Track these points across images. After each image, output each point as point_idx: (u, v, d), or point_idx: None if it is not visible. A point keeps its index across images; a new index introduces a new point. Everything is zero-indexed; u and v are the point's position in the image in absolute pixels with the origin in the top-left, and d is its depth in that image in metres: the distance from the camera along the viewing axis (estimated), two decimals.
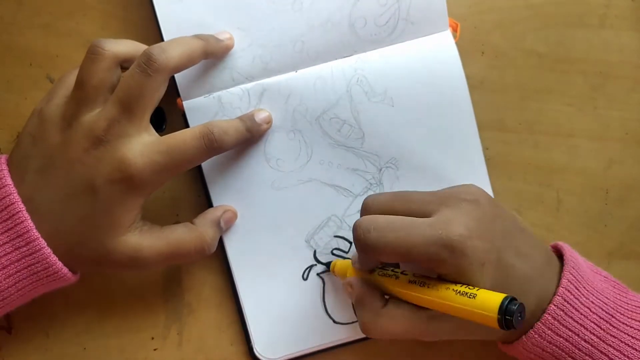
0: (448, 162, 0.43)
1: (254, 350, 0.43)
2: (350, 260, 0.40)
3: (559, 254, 0.39)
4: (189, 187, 0.44)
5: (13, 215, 0.37)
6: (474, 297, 0.33)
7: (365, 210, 0.38)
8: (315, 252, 0.43)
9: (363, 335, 0.44)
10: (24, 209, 0.37)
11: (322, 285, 0.44)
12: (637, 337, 0.36)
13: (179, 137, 0.38)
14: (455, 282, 0.34)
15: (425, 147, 0.43)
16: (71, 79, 0.39)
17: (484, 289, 0.33)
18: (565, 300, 0.36)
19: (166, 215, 0.44)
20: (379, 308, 0.37)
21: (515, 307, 0.31)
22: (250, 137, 0.41)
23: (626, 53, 0.44)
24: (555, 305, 0.35)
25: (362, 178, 0.43)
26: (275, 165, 0.43)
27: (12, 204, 0.37)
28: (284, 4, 0.42)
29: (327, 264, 0.43)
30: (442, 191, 0.37)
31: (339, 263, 0.42)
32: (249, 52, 0.42)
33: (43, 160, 0.38)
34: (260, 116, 0.42)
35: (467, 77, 0.43)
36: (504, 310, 0.31)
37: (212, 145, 0.38)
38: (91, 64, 0.37)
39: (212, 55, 0.41)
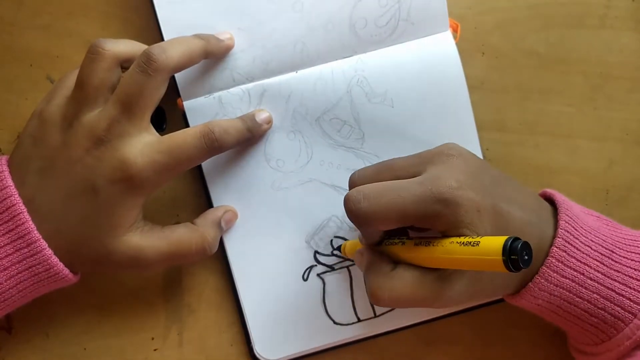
0: None
1: (254, 350, 0.43)
2: (357, 238, 0.40)
3: (550, 199, 0.39)
4: (190, 188, 0.44)
5: (14, 216, 0.37)
6: (477, 244, 0.32)
7: (352, 185, 0.38)
8: (315, 252, 0.43)
9: (364, 336, 0.44)
10: (25, 210, 0.37)
11: (322, 285, 0.44)
12: (639, 268, 0.36)
13: (179, 137, 0.38)
14: (459, 236, 0.34)
15: (425, 148, 0.43)
16: (71, 80, 0.39)
17: (486, 235, 0.33)
18: (566, 241, 0.36)
19: (166, 216, 0.44)
20: (388, 271, 0.36)
21: (519, 246, 0.30)
22: (250, 137, 0.41)
23: (626, 54, 0.44)
24: (557, 247, 0.35)
25: None
26: (276, 165, 0.43)
27: (13, 205, 0.37)
28: (285, 5, 0.42)
29: (328, 265, 0.43)
30: (425, 152, 0.37)
31: (348, 243, 0.42)
32: (250, 52, 0.42)
33: (44, 161, 0.38)
34: (261, 116, 0.42)
35: (467, 78, 0.43)
36: (509, 251, 0.30)
37: (212, 144, 0.38)
38: (91, 64, 0.37)
39: (212, 55, 0.41)
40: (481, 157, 0.43)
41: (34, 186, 0.38)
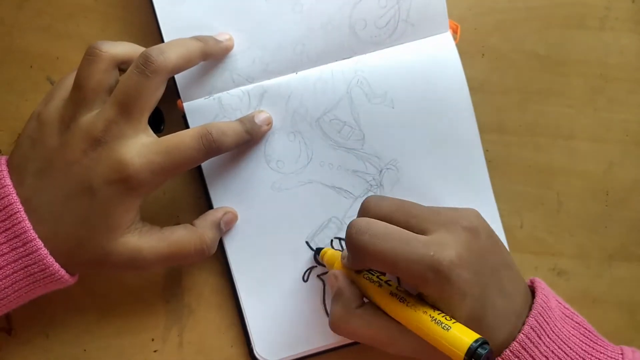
0: (448, 164, 0.43)
1: (254, 351, 0.43)
2: (341, 253, 0.40)
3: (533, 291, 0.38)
4: (189, 189, 0.44)
5: (11, 215, 0.37)
6: (448, 329, 0.33)
7: (364, 210, 0.38)
8: (315, 253, 0.43)
9: None
10: (22, 209, 0.37)
11: (322, 287, 0.43)
12: None
13: (177, 138, 0.38)
14: (434, 307, 0.34)
15: (426, 149, 0.43)
16: (70, 81, 0.39)
17: (460, 321, 0.33)
18: (523, 348, 0.35)
19: (166, 217, 0.44)
20: (354, 307, 0.37)
21: (485, 352, 0.32)
22: (250, 139, 0.41)
23: (626, 55, 0.44)
24: (510, 351, 0.35)
25: (362, 179, 0.43)
26: (276, 166, 0.43)
27: (10, 204, 0.37)
28: (284, 6, 0.42)
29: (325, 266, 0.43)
30: (445, 211, 0.37)
31: (329, 252, 0.42)
32: (249, 53, 0.43)
33: (42, 162, 0.38)
34: (261, 117, 0.42)
35: (468, 79, 0.43)
36: (473, 353, 0.32)
37: (210, 146, 0.38)
38: (89, 66, 0.38)
39: (211, 57, 0.41)
40: (483, 160, 0.43)
41: (32, 187, 0.38)
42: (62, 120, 0.38)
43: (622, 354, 0.37)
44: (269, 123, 0.43)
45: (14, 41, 0.45)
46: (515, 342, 0.35)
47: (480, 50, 0.45)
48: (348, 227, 0.36)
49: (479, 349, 0.32)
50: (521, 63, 0.45)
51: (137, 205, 0.38)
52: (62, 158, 0.37)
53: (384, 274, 0.38)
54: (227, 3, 0.42)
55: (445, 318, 0.33)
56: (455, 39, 0.43)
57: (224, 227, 0.42)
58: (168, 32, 0.42)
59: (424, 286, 0.34)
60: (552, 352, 0.35)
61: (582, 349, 0.36)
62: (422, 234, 0.35)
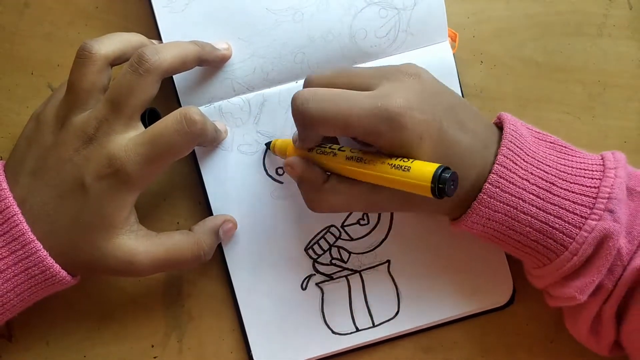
0: None
1: (253, 358, 0.43)
2: (290, 139, 0.40)
3: (501, 126, 0.38)
4: (189, 195, 0.45)
5: (8, 218, 0.37)
6: (407, 169, 0.33)
7: (307, 83, 0.38)
8: (314, 261, 0.43)
9: (362, 345, 0.44)
10: (19, 212, 0.37)
11: (321, 295, 0.44)
12: (578, 201, 0.36)
13: (160, 124, 0.38)
14: (392, 156, 0.34)
15: None
16: None
17: (422, 161, 0.34)
18: (500, 177, 0.35)
19: (167, 224, 0.45)
20: (320, 184, 0.38)
21: (448, 176, 0.32)
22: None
23: (624, 62, 0.45)
24: (490, 184, 0.35)
25: None
26: (275, 174, 0.43)
27: (7, 207, 0.37)
28: (285, 15, 0.42)
29: (327, 275, 0.43)
30: (385, 66, 0.37)
31: (279, 142, 0.41)
32: (250, 62, 0.43)
33: (37, 161, 0.38)
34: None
35: (466, 86, 0.43)
36: (437, 179, 0.32)
37: (192, 127, 0.37)
38: (81, 68, 0.38)
39: (206, 63, 0.41)
40: None
41: (27, 187, 0.38)
42: (57, 120, 0.38)
43: (602, 158, 0.38)
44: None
45: (15, 48, 0.45)
46: (492, 174, 0.35)
47: (478, 57, 0.45)
48: (292, 101, 0.36)
49: (442, 174, 0.32)
50: (519, 70, 0.45)
51: (131, 203, 0.38)
52: (56, 156, 0.38)
53: (335, 144, 0.38)
54: (228, 12, 0.42)
55: (403, 161, 0.34)
56: (453, 47, 0.43)
57: (223, 235, 0.42)
58: (169, 40, 0.42)
59: (379, 139, 0.34)
60: (531, 173, 0.36)
61: (561, 164, 0.37)
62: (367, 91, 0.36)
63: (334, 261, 0.44)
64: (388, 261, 0.43)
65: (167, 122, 0.37)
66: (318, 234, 0.43)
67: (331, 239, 0.43)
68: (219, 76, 0.43)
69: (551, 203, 0.36)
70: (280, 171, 0.43)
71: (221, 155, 0.43)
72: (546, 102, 0.45)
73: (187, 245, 0.40)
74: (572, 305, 0.38)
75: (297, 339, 0.43)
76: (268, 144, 0.42)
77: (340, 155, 0.37)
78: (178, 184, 0.45)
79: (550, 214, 0.36)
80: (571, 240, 0.36)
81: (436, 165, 0.32)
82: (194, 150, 0.43)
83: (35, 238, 0.37)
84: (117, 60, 0.39)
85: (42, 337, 0.44)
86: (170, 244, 0.40)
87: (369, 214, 0.43)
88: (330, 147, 0.38)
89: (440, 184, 0.32)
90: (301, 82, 0.43)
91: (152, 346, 0.45)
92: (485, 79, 0.45)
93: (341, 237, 0.43)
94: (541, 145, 0.38)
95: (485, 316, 0.44)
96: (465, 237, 0.42)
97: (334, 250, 0.44)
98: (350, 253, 0.44)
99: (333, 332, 0.44)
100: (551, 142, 0.38)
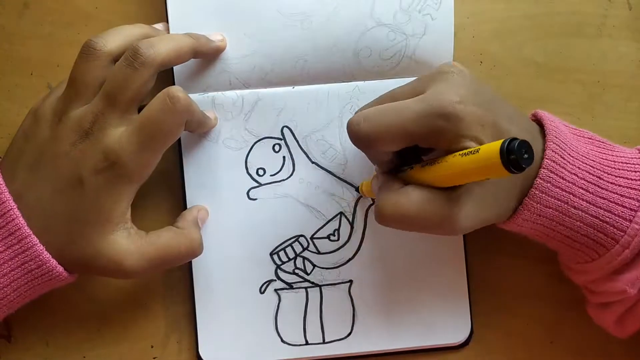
0: None
1: (199, 352, 0.43)
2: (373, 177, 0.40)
3: (539, 122, 0.38)
4: (169, 189, 0.44)
5: (4, 213, 0.37)
6: (477, 152, 0.31)
7: (351, 121, 0.37)
8: (277, 267, 0.43)
9: (310, 359, 0.44)
10: (15, 206, 0.37)
11: (277, 301, 0.43)
12: (625, 194, 0.36)
13: (146, 109, 0.37)
14: (462, 150, 0.33)
15: None
16: None
17: None
18: (550, 171, 0.35)
19: (167, 224, 0.44)
20: (396, 188, 0.36)
21: (517, 144, 0.29)
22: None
23: (624, 62, 0.45)
24: (541, 179, 0.35)
25: (337, 204, 0.43)
26: (255, 174, 0.43)
27: (3, 202, 0.37)
28: (294, 20, 0.42)
29: (287, 283, 0.43)
30: (424, 75, 0.37)
31: (365, 183, 0.41)
32: (251, 59, 0.43)
33: (33, 156, 0.38)
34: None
35: None
36: (506, 151, 0.29)
37: (177, 103, 0.37)
38: (84, 63, 0.38)
39: (201, 55, 0.41)
40: None
41: (23, 182, 0.38)
42: (55, 114, 0.38)
43: (639, 152, 0.38)
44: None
45: (14, 48, 0.45)
46: (542, 169, 0.35)
47: (478, 57, 0.45)
48: (347, 129, 0.36)
49: (510, 144, 0.29)
50: (519, 70, 0.45)
51: (127, 197, 0.38)
52: (52, 150, 0.38)
53: (416, 162, 0.36)
54: (238, 8, 0.42)
55: (470, 150, 0.32)
56: None
57: (200, 224, 0.42)
58: (176, 25, 0.42)
59: (442, 137, 0.33)
60: (579, 168, 0.36)
61: (603, 159, 0.37)
62: None
63: (296, 271, 0.43)
64: (350, 281, 0.43)
65: (153, 104, 0.37)
66: (286, 241, 0.43)
67: (298, 249, 0.43)
68: (217, 68, 0.43)
69: (600, 197, 0.36)
70: (260, 172, 0.43)
71: (206, 145, 0.43)
72: (546, 102, 0.45)
73: (178, 242, 0.40)
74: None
75: (247, 341, 0.43)
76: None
77: (417, 166, 0.36)
78: (160, 182, 0.44)
79: (600, 207, 0.36)
80: (622, 234, 0.36)
81: (502, 140, 0.30)
82: (179, 142, 0.43)
83: (31, 233, 0.37)
84: (120, 56, 0.39)
85: (41, 338, 0.44)
86: (161, 243, 0.39)
87: (339, 232, 0.43)
88: (409, 166, 0.37)
89: (512, 155, 0.29)
90: (298, 88, 0.43)
91: (152, 347, 0.44)
92: (485, 79, 0.45)
93: (308, 249, 0.43)
94: (581, 141, 0.38)
95: (438, 353, 0.44)
96: (432, 271, 0.43)
97: (299, 260, 0.43)
98: (314, 266, 0.43)
99: (282, 340, 0.43)
100: (589, 138, 0.39)
